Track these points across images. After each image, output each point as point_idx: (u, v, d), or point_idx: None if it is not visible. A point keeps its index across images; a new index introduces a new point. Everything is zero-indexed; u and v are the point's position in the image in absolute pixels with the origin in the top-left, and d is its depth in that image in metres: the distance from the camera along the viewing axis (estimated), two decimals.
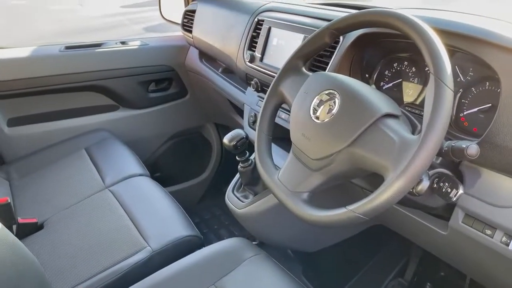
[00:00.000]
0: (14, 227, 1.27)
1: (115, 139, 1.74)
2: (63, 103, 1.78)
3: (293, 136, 0.87)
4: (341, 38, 1.07)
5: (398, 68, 1.06)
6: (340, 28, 0.89)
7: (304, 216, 0.79)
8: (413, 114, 0.93)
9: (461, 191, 0.78)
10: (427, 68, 0.94)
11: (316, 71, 1.12)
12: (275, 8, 1.37)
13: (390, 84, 1.07)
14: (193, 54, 1.88)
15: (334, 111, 0.80)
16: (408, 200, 0.82)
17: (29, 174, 1.58)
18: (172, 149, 2.05)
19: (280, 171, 0.89)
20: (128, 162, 1.56)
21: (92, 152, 1.64)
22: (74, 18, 10.33)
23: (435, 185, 0.80)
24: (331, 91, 0.83)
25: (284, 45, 1.24)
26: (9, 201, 1.24)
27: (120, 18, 9.70)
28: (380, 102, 0.77)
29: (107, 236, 1.20)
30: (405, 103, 1.02)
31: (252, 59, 1.34)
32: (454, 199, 0.78)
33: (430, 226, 0.92)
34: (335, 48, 1.07)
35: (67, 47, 1.76)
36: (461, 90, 0.91)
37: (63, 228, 1.27)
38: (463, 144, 0.72)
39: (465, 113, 0.91)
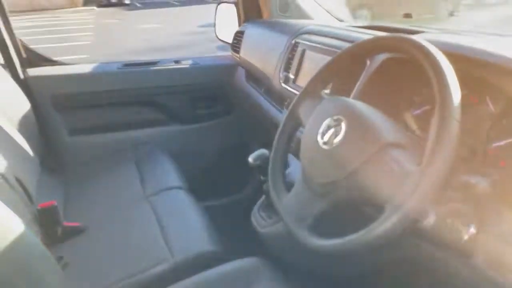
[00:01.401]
0: (59, 229, 1.38)
1: (162, 152, 1.84)
2: (119, 116, 1.91)
3: (301, 160, 0.87)
4: (367, 62, 1.05)
5: (428, 94, 1.01)
6: (358, 53, 0.88)
7: (305, 242, 0.78)
8: None
9: (472, 229, 0.72)
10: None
11: (343, 95, 1.11)
12: (312, 30, 1.38)
13: (419, 111, 1.02)
14: (241, 73, 1.93)
15: (339, 137, 0.78)
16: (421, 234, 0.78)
17: (83, 180, 1.72)
18: (215, 165, 2.10)
19: (289, 194, 0.89)
20: (169, 175, 1.64)
21: (140, 163, 1.74)
22: (157, 36, 11.07)
23: (449, 221, 0.75)
24: (338, 116, 0.81)
25: (315, 69, 1.24)
26: (55, 204, 1.36)
27: (197, 37, 10.23)
28: (385, 130, 0.75)
29: (137, 244, 1.27)
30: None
31: (286, 80, 1.36)
32: (466, 238, 0.72)
33: (449, 264, 0.85)
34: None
35: (125, 65, 1.90)
36: (490, 122, 0.85)
37: (101, 234, 1.36)
38: (473, 179, 0.68)
39: (493, 145, 0.84)
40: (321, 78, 0.94)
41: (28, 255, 0.86)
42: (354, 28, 1.34)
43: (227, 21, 2.16)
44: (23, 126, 1.60)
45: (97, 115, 1.88)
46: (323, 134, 0.82)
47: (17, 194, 1.28)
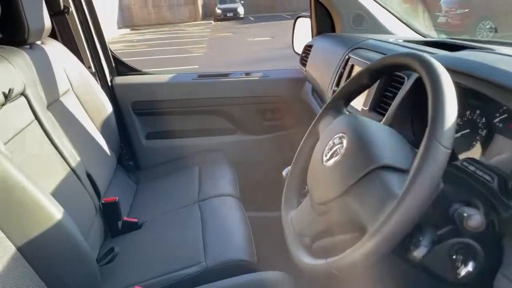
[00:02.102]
0: (120, 222, 1.53)
1: (225, 159, 1.92)
2: (191, 124, 2.04)
3: (307, 178, 0.86)
4: (406, 79, 0.99)
5: (470, 117, 0.91)
6: (377, 70, 0.84)
7: (295, 260, 0.77)
8: (468, 172, 0.80)
9: (470, 268, 0.64)
10: (496, 120, 0.81)
11: (381, 113, 1.06)
12: (367, 45, 1.33)
13: (459, 135, 0.93)
14: (308, 87, 1.93)
15: (338, 156, 0.76)
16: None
17: (152, 181, 1.88)
18: (273, 177, 2.11)
19: (295, 211, 0.88)
20: (224, 182, 1.70)
21: (203, 169, 1.84)
22: (266, 48, 11.45)
23: (453, 255, 0.68)
24: (343, 134, 0.79)
25: None
26: (117, 200, 1.51)
27: None
28: (384, 151, 0.71)
29: (178, 244, 1.34)
30: (465, 157, 0.88)
31: None
32: (461, 275, 0.64)
33: None
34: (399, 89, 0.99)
35: (200, 76, 2.03)
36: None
37: (153, 231, 1.47)
38: (466, 212, 0.61)
39: None
40: (342, 94, 0.92)
41: (64, 242, 0.98)
42: (410, 43, 1.27)
43: (304, 35, 2.18)
44: (105, 128, 1.80)
45: (171, 122, 2.03)
46: (327, 152, 0.80)
47: (86, 188, 1.45)
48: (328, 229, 0.77)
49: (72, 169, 1.40)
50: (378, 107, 1.07)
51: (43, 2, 1.57)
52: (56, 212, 0.96)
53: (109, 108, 1.83)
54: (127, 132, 1.99)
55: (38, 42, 1.58)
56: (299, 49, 2.16)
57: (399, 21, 1.81)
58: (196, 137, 2.04)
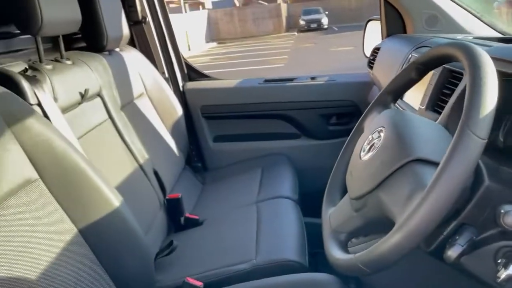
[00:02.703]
0: (182, 218, 1.60)
1: (289, 163, 1.92)
2: (256, 128, 2.08)
3: (347, 173, 0.83)
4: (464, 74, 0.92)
5: None
6: (424, 63, 0.80)
7: (327, 256, 0.76)
8: None
9: (510, 271, 0.58)
10: None
11: (438, 112, 1.00)
12: (430, 43, 1.26)
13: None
14: (375, 91, 1.87)
15: (375, 149, 0.73)
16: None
17: (217, 181, 1.95)
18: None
19: (335, 207, 0.86)
20: (284, 185, 1.71)
21: (265, 172, 1.86)
22: (347, 58, 11.28)
23: (499, 259, 0.62)
24: (381, 128, 0.76)
25: (422, 85, 1.13)
26: (180, 197, 1.59)
27: None
28: (421, 144, 0.67)
29: (233, 242, 1.37)
30: None
31: None
32: (501, 278, 0.59)
33: None
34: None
35: (266, 80, 2.07)
36: None
37: (211, 228, 1.52)
38: (505, 208, 0.56)
39: None
40: (389, 90, 0.88)
41: (119, 227, 1.05)
42: (483, 40, 1.17)
43: (375, 38, 2.12)
44: (175, 130, 1.91)
45: (238, 125, 2.08)
46: (366, 146, 0.78)
47: (152, 183, 1.54)
48: (364, 225, 0.75)
49: (140, 165, 1.51)
50: (435, 105, 1.01)
51: (123, 13, 1.72)
52: (113, 198, 1.04)
53: (179, 111, 1.94)
54: (196, 134, 2.08)
55: (117, 49, 1.73)
56: (369, 52, 2.11)
57: (478, 20, 1.69)
58: (261, 140, 2.08)
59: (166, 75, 2.02)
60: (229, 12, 22.60)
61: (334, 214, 0.83)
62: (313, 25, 21.06)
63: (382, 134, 0.75)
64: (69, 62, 1.35)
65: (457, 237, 0.62)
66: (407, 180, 0.64)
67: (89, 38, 1.56)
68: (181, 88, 2.05)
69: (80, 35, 1.61)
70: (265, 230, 1.40)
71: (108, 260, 1.01)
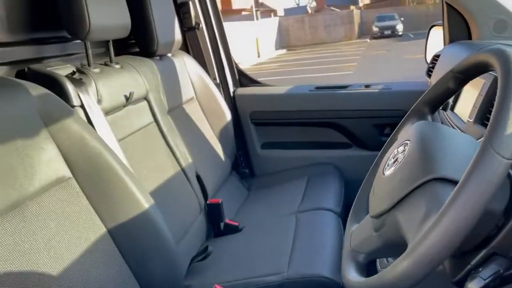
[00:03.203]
0: (222, 224, 1.60)
1: (337, 174, 1.85)
2: (305, 136, 2.03)
3: (371, 189, 0.77)
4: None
5: None
6: (462, 71, 0.72)
7: (342, 277, 0.70)
8: None
9: None
10: None
11: (486, 125, 0.91)
12: None
13: None
14: None
15: (397, 164, 0.67)
16: None
17: (262, 189, 1.92)
18: None
19: (358, 224, 0.79)
20: (328, 196, 1.64)
21: (310, 181, 1.81)
22: (420, 66, 10.78)
23: None
24: (407, 141, 0.69)
25: (473, 95, 1.03)
26: (220, 202, 1.58)
27: None
28: (447, 161, 0.60)
29: (268, 252, 1.34)
30: None
31: (445, 107, 1.17)
32: None
33: None
34: None
35: (317, 87, 2.01)
36: None
37: (248, 236, 1.50)
38: None
39: None
40: (425, 100, 0.80)
41: (148, 230, 1.06)
42: None
43: (438, 45, 1.99)
44: (223, 135, 1.92)
45: (287, 133, 2.05)
46: (390, 161, 0.71)
47: (193, 187, 1.56)
48: (383, 247, 0.68)
49: (182, 169, 1.53)
50: (484, 118, 0.91)
51: (175, 19, 1.76)
52: (144, 201, 1.05)
53: (228, 117, 1.95)
54: (244, 140, 2.07)
55: (169, 55, 1.78)
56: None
57: None
58: (310, 149, 2.02)
59: (218, 80, 2.04)
60: (300, 19, 22.60)
61: (356, 232, 0.77)
62: (387, 32, 20.38)
63: (407, 148, 0.68)
64: (117, 66, 1.41)
65: (481, 269, 0.54)
66: (425, 200, 0.57)
67: (141, 43, 1.62)
68: (231, 94, 2.06)
69: (134, 41, 1.67)
70: (301, 242, 1.35)
71: (135, 260, 1.02)
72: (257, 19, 18.80)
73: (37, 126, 0.93)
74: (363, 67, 11.96)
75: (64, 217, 0.92)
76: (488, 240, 0.58)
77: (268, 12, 26.73)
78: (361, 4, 32.65)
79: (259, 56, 17.79)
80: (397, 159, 0.69)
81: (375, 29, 20.86)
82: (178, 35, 1.75)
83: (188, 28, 1.95)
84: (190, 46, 1.99)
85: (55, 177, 0.93)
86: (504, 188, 0.59)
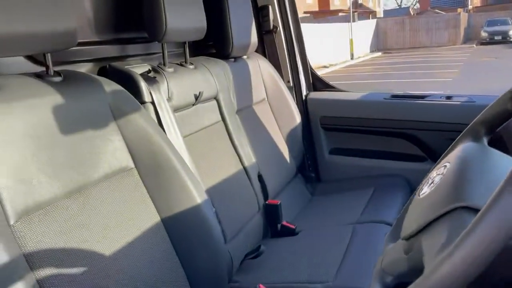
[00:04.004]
0: (279, 225, 1.62)
1: (405, 187, 1.77)
2: (376, 145, 1.96)
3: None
4: None
5: None
6: None
7: None
8: None
9: None
10: None
11: None
12: None
13: None
14: None
15: (432, 187, 0.64)
16: None
17: (326, 195, 1.91)
18: None
19: (394, 243, 0.77)
20: (392, 210, 1.58)
21: (376, 192, 1.76)
22: None
23: None
24: (447, 163, 0.65)
25: None
26: (278, 204, 1.61)
27: None
28: (480, 190, 0.56)
29: (318, 259, 1.34)
30: None
31: None
32: None
33: None
34: None
35: (393, 96, 1.93)
36: None
37: (302, 241, 1.51)
38: None
39: None
40: (481, 120, 0.75)
41: (198, 224, 1.13)
42: None
43: None
44: (290, 138, 1.93)
45: (357, 140, 2.00)
46: (428, 182, 0.68)
47: (254, 186, 1.60)
48: (410, 271, 0.65)
49: (244, 168, 1.58)
50: None
51: (253, 23, 1.82)
52: (197, 197, 1.11)
53: (298, 120, 1.96)
54: (313, 144, 2.07)
55: (244, 57, 1.84)
56: None
57: None
58: (380, 159, 1.95)
59: (291, 83, 2.06)
60: (400, 21, 21.59)
61: (389, 251, 0.75)
62: (497, 37, 18.62)
63: (445, 171, 0.64)
64: (191, 67, 1.50)
65: None
66: (449, 228, 0.54)
67: (217, 45, 1.70)
68: (303, 97, 2.06)
69: (211, 43, 1.76)
70: (353, 254, 1.32)
71: (182, 249, 1.09)
72: (354, 20, 18.35)
73: (107, 119, 1.04)
74: (465, 75, 11.09)
75: (123, 203, 1.01)
76: None
77: (366, 13, 25.97)
78: (470, 7, 30.22)
79: (352, 58, 17.37)
80: (433, 181, 0.65)
81: (483, 34, 19.19)
82: (254, 38, 1.80)
83: (266, 31, 1.99)
84: (267, 48, 2.04)
85: (119, 166, 1.03)
86: None
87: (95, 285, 0.87)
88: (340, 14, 22.85)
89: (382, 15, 32.56)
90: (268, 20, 1.96)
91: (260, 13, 1.97)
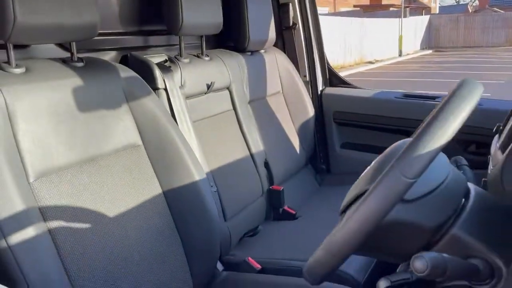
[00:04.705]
0: (281, 210, 1.75)
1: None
2: (386, 142, 1.99)
3: None
4: None
5: None
6: None
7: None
8: None
9: None
10: None
11: None
12: None
13: None
14: None
15: (370, 170, 0.75)
16: None
17: (333, 185, 2.01)
18: None
19: None
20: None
21: None
22: None
23: None
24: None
25: None
26: (280, 190, 1.73)
27: None
28: None
29: (311, 240, 1.43)
30: None
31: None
32: None
33: None
34: None
35: (405, 95, 1.99)
36: None
37: (301, 224, 1.63)
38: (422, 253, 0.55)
39: None
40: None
41: (194, 197, 1.27)
42: None
43: None
44: (302, 130, 2.04)
45: (368, 136, 2.07)
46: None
47: (259, 172, 1.73)
48: None
49: (251, 154, 1.71)
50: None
51: (272, 19, 1.93)
52: (196, 174, 1.25)
53: (311, 113, 2.06)
54: (325, 138, 2.16)
55: (262, 51, 1.95)
56: None
57: None
58: None
59: (307, 78, 2.15)
60: (454, 18, 20.73)
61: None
62: None
63: (379, 159, 0.75)
64: (207, 58, 1.64)
65: (395, 272, 0.61)
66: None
67: (234, 39, 1.83)
68: (319, 92, 2.15)
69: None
70: None
71: (181, 221, 1.24)
72: (405, 16, 17.85)
73: (120, 101, 1.20)
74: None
75: (129, 175, 1.17)
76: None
77: (420, 9, 25.10)
78: None
79: (400, 55, 16.95)
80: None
81: None
82: (272, 34, 1.92)
83: (286, 27, 2.10)
84: (286, 44, 2.14)
85: (128, 143, 1.19)
86: (437, 207, 0.63)
87: (100, 242, 1.04)
88: (391, 9, 22.25)
89: (437, 11, 31.33)
90: (288, 17, 2.07)
91: (281, 10, 2.07)
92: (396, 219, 0.63)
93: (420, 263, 0.53)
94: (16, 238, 0.85)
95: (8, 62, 1.00)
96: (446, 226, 0.63)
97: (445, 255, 0.56)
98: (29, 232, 0.88)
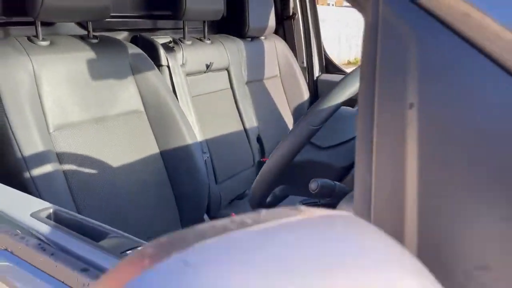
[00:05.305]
0: None
1: None
2: None
3: None
4: None
5: None
6: None
7: None
8: None
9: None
10: None
11: None
12: None
13: None
14: None
15: None
16: None
17: None
18: None
19: None
20: None
21: None
22: None
23: None
24: None
25: None
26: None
27: None
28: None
29: None
30: None
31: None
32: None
33: None
34: None
35: None
36: None
37: None
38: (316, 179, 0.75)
39: None
40: None
41: (185, 156, 1.49)
42: None
43: None
44: (297, 111, 2.23)
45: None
46: None
47: (251, 145, 1.94)
48: None
49: (245, 129, 1.92)
50: None
51: (272, 9, 2.12)
52: (188, 138, 1.47)
53: (306, 97, 2.25)
54: None
55: (262, 37, 2.15)
56: None
57: None
58: None
59: (305, 65, 2.34)
60: None
61: None
62: None
63: None
64: (208, 42, 1.85)
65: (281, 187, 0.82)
66: None
67: (235, 26, 2.03)
68: (315, 78, 2.34)
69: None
70: None
71: (174, 177, 1.47)
72: None
73: (126, 74, 1.42)
74: None
75: (132, 135, 1.40)
76: None
77: None
78: None
79: None
80: None
81: None
82: (272, 22, 2.11)
83: (286, 17, 2.29)
84: (286, 32, 2.33)
85: (132, 109, 1.42)
86: (345, 154, 0.83)
87: (104, 187, 1.27)
88: None
89: None
90: (288, 7, 2.25)
91: (281, 1, 2.26)
92: (313, 159, 0.83)
93: (314, 184, 0.73)
94: (38, 172, 1.09)
95: (36, 36, 1.24)
96: (352, 168, 0.83)
97: (336, 182, 0.76)
98: (47, 169, 1.12)
